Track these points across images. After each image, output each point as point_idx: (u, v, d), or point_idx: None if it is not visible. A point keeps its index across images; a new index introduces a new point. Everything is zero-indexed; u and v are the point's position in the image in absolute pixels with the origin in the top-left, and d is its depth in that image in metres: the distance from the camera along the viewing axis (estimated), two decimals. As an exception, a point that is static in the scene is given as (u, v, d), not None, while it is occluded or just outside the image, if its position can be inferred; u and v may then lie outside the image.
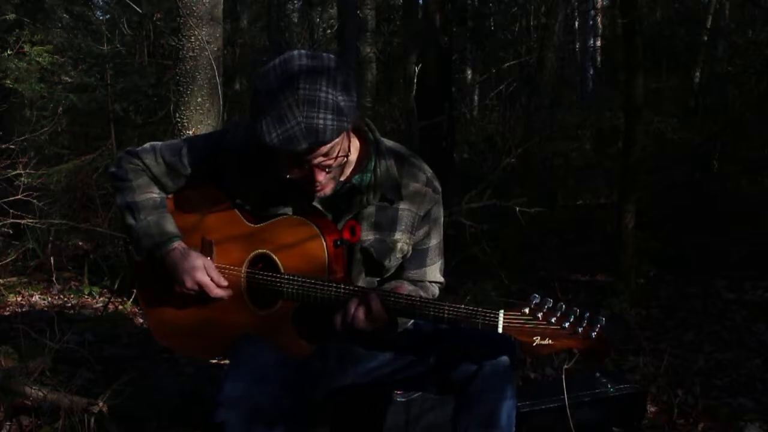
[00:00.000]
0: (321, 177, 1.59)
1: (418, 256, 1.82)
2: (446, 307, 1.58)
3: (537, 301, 1.54)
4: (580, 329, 1.50)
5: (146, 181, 1.80)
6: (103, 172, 5.42)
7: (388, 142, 1.80)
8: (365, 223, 1.73)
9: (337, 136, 1.53)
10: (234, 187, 1.76)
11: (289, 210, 1.72)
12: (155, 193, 1.80)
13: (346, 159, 1.62)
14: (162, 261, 1.75)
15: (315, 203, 1.71)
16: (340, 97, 1.51)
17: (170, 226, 1.77)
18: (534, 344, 1.53)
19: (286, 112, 1.48)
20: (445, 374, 1.72)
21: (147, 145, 1.85)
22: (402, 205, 1.75)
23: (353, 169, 1.73)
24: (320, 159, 1.56)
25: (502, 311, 1.54)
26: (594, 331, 1.50)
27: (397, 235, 1.75)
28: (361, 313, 1.60)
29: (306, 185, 1.63)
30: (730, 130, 6.74)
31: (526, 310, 1.53)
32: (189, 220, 1.80)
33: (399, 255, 1.77)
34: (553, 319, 1.51)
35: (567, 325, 1.51)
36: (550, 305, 1.53)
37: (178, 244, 1.75)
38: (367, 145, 1.74)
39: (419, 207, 1.78)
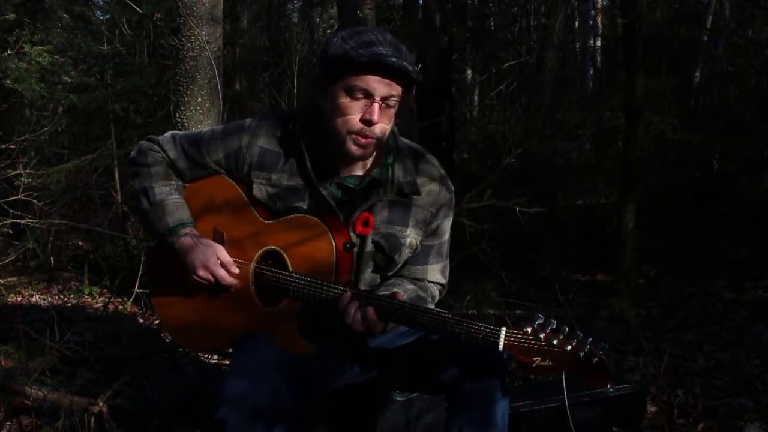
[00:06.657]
0: (376, 116, 1.60)
1: (422, 253, 1.82)
2: (449, 320, 1.56)
3: (540, 321, 1.52)
4: (581, 354, 1.49)
5: (164, 168, 1.81)
6: (103, 171, 5.42)
7: (404, 140, 1.82)
8: (379, 216, 1.74)
9: (414, 77, 1.59)
10: (251, 180, 1.76)
11: (304, 205, 1.72)
12: (172, 181, 1.81)
13: (390, 122, 1.65)
14: (172, 247, 1.74)
15: (329, 198, 1.71)
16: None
17: (183, 212, 1.77)
18: (534, 365, 1.52)
19: (373, 40, 1.57)
20: (435, 375, 1.72)
21: (168, 133, 1.87)
22: (416, 201, 1.77)
23: (372, 164, 1.75)
24: (388, 93, 1.60)
25: (504, 329, 1.53)
26: (595, 357, 1.49)
27: (409, 231, 1.76)
28: (359, 318, 1.60)
29: (349, 142, 1.64)
30: (730, 130, 6.74)
31: (529, 330, 1.52)
32: (203, 211, 1.80)
33: (408, 251, 1.78)
34: (555, 341, 1.50)
35: (569, 348, 1.49)
36: (554, 326, 1.51)
37: (189, 230, 1.74)
38: (386, 141, 1.75)
39: (432, 204, 1.79)
